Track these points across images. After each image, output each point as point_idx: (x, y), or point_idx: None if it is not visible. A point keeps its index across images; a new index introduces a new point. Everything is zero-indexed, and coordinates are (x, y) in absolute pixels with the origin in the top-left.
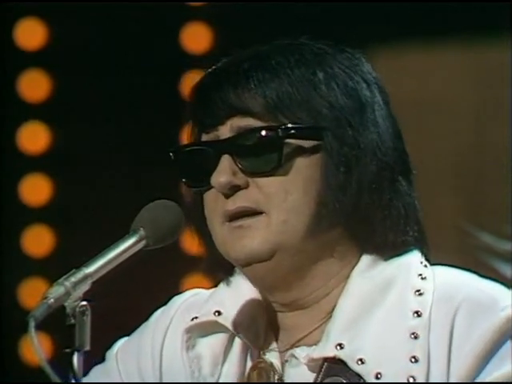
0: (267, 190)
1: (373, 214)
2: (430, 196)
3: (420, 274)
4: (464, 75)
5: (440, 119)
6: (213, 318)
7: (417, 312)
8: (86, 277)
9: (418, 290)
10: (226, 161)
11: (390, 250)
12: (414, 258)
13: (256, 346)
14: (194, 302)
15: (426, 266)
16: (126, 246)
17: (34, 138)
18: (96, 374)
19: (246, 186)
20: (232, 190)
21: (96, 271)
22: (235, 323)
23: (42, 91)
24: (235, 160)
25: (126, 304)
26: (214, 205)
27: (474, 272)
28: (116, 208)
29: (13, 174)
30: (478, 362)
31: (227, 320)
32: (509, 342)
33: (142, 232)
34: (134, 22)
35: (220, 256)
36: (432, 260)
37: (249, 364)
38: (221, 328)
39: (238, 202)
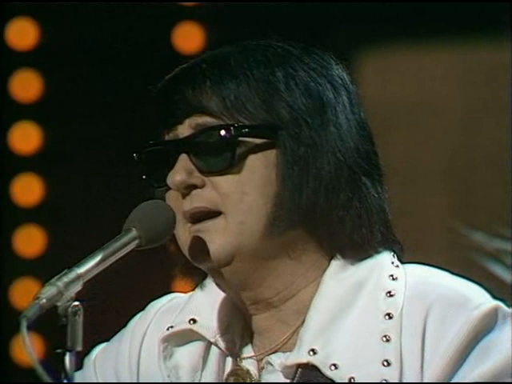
0: (223, 190)
1: (330, 214)
2: (420, 195)
3: (391, 275)
4: (454, 75)
5: (430, 119)
6: (188, 326)
7: (388, 314)
8: (78, 277)
9: (389, 292)
10: (182, 160)
11: (355, 251)
12: (385, 258)
13: (232, 352)
14: (171, 307)
15: (397, 266)
16: (118, 245)
17: (25, 137)
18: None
19: (202, 186)
20: (188, 190)
21: (88, 271)
22: (211, 330)
23: (33, 91)
24: (191, 159)
25: (118, 304)
26: (175, 204)
27: (464, 271)
28: (108, 208)
29: (4, 173)
30: (454, 362)
31: (202, 328)
32: (484, 341)
33: (134, 232)
34: (126, 22)
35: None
36: (422, 259)
37: (226, 371)
38: (196, 336)
39: (195, 201)
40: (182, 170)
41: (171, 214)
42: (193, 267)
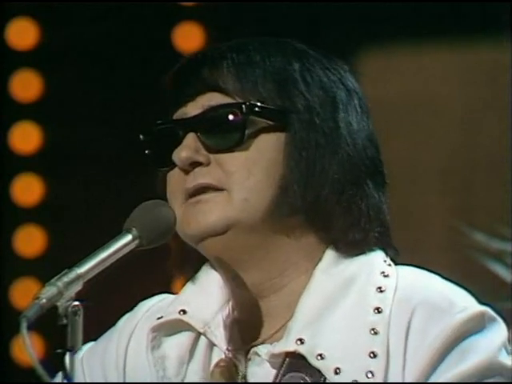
0: (229, 168)
1: (333, 206)
2: (421, 195)
3: (382, 272)
4: (454, 75)
5: (430, 118)
6: (177, 316)
7: (377, 308)
8: (78, 277)
9: (380, 287)
10: (189, 137)
11: (350, 247)
12: (377, 256)
13: (221, 344)
14: (161, 306)
15: (389, 264)
16: (118, 245)
17: (25, 137)
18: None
19: (208, 164)
20: (192, 167)
21: (88, 271)
22: (200, 321)
23: (33, 91)
24: (199, 137)
25: (118, 304)
26: (176, 185)
27: (464, 270)
28: (108, 208)
29: (4, 173)
30: (434, 361)
31: (192, 318)
32: (464, 343)
33: (134, 232)
34: (126, 22)
35: (185, 252)
36: (423, 258)
37: (213, 362)
38: (186, 327)
39: (199, 178)
40: (189, 147)
41: (171, 214)
42: (186, 260)
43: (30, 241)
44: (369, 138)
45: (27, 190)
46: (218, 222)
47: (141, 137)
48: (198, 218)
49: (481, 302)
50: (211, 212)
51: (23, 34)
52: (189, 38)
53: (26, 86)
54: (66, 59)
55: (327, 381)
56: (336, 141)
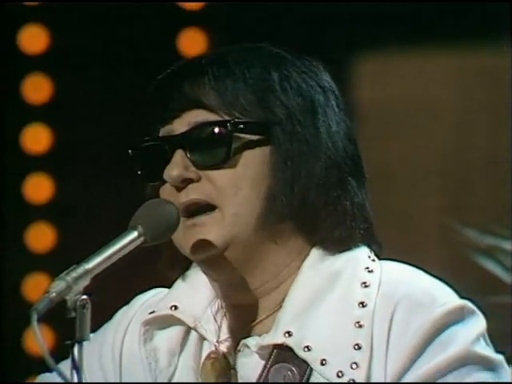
0: (218, 183)
1: (319, 209)
2: (416, 195)
3: (367, 268)
4: (451, 79)
5: (428, 121)
6: (169, 312)
7: (362, 303)
8: (86, 272)
9: (364, 283)
10: (178, 155)
11: (336, 244)
12: (362, 252)
13: (211, 337)
14: (155, 300)
15: (373, 260)
16: (124, 242)
17: (36, 138)
18: (66, 367)
19: (198, 180)
20: (184, 183)
21: (95, 267)
22: (190, 317)
23: (43, 94)
24: (187, 154)
25: (123, 298)
26: (169, 198)
27: (457, 266)
28: (115, 205)
29: (16, 173)
30: (415, 352)
31: (183, 314)
32: (444, 335)
33: (139, 229)
34: (133, 27)
35: (177, 252)
36: (419, 254)
37: (204, 355)
38: (177, 321)
39: (191, 194)
40: (178, 165)
41: (175, 212)
42: (177, 259)
43: (40, 237)
44: (347, 136)
45: (38, 188)
46: (215, 244)
47: (129, 152)
48: (197, 241)
49: (463, 296)
50: (209, 234)
51: (34, 39)
52: (193, 42)
53: (37, 88)
54: (74, 63)
55: (313, 371)
56: (318, 146)
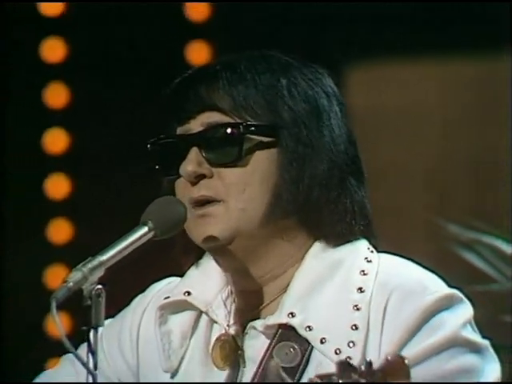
0: (228, 180)
1: (322, 206)
2: (405, 194)
3: (366, 258)
4: (435, 86)
5: (414, 125)
6: (183, 297)
7: (360, 288)
8: (100, 264)
9: (363, 271)
10: (193, 152)
11: (337, 238)
12: (362, 244)
13: (221, 321)
14: (169, 287)
15: (372, 251)
16: (136, 236)
17: (55, 141)
18: (83, 351)
19: (211, 176)
20: (197, 179)
21: (109, 259)
22: (202, 302)
23: (62, 100)
24: (202, 152)
25: (137, 287)
26: (183, 191)
27: (441, 258)
28: (127, 202)
29: (37, 172)
30: (407, 335)
31: (196, 299)
32: (433, 320)
33: (150, 224)
34: (145, 40)
35: (190, 240)
36: (406, 248)
37: (213, 337)
38: (190, 306)
39: (202, 190)
40: (193, 161)
41: (182, 209)
42: (190, 248)
43: (59, 231)
44: (348, 138)
45: (57, 186)
46: (222, 235)
47: (148, 146)
48: (205, 230)
49: (451, 286)
50: (216, 225)
51: (54, 50)
52: (200, 54)
53: (56, 95)
54: (90, 72)
55: (313, 349)
56: (321, 149)
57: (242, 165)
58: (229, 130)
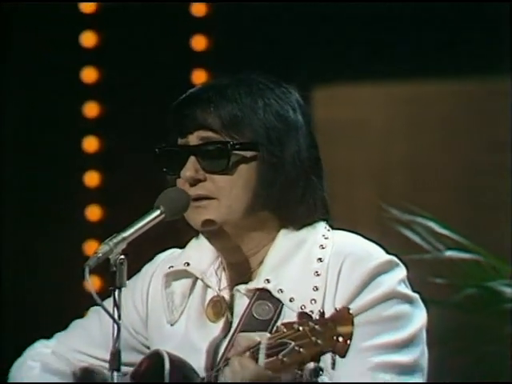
0: (219, 183)
1: (291, 202)
2: (355, 185)
3: (323, 235)
4: (378, 103)
5: (363, 133)
6: (183, 267)
7: (320, 259)
8: (123, 239)
9: (322, 245)
10: (192, 160)
11: (301, 223)
12: (320, 226)
13: (214, 286)
14: (171, 257)
15: (328, 230)
16: (150, 218)
17: (91, 144)
18: (108, 305)
19: (205, 180)
20: (194, 181)
21: (130, 235)
22: (199, 271)
23: (96, 113)
24: (198, 161)
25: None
26: (183, 188)
27: (386, 235)
28: (146, 192)
29: (77, 169)
30: (356, 291)
31: (193, 269)
32: (377, 280)
33: (161, 208)
34: (154, 69)
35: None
36: (357, 228)
37: (207, 298)
38: (188, 274)
39: (198, 190)
40: (191, 168)
41: (186, 197)
42: (191, 227)
43: (94, 214)
44: (312, 143)
45: (92, 179)
46: (214, 222)
47: (156, 150)
48: (200, 218)
49: (390, 253)
50: (208, 215)
51: (91, 76)
52: (201, 80)
53: (92, 111)
54: (120, 93)
55: (284, 306)
56: (290, 158)
57: (229, 172)
58: (219, 145)
